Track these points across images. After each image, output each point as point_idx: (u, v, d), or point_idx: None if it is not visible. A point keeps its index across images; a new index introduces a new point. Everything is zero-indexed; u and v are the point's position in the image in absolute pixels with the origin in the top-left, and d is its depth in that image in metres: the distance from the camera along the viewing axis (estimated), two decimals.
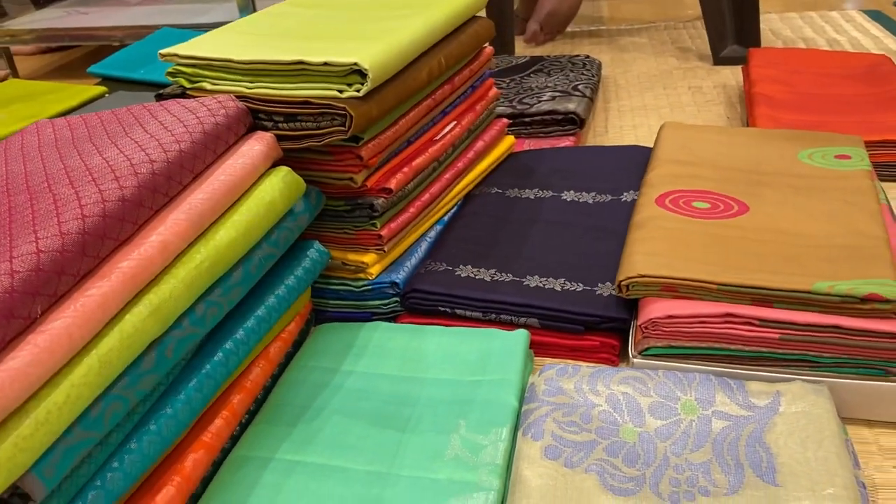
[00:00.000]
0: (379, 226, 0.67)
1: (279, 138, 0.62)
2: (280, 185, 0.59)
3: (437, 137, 0.77)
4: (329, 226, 0.69)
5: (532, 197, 0.82)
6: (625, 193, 0.79)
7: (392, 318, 0.69)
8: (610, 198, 0.79)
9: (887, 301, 0.53)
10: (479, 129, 0.86)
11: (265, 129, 0.62)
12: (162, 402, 0.48)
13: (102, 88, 1.19)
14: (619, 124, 1.13)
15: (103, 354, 0.41)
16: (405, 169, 0.70)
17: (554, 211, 0.78)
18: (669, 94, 1.23)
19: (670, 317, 0.56)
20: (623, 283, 0.59)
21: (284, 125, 0.62)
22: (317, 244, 0.66)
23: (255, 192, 0.57)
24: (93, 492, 0.42)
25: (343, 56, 0.59)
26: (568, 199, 0.80)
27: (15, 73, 1.59)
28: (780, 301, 0.55)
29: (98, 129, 0.58)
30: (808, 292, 0.54)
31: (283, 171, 0.60)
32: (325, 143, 0.61)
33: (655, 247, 0.62)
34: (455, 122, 0.80)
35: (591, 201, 0.79)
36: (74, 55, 1.80)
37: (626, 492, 0.46)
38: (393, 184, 0.67)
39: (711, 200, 0.69)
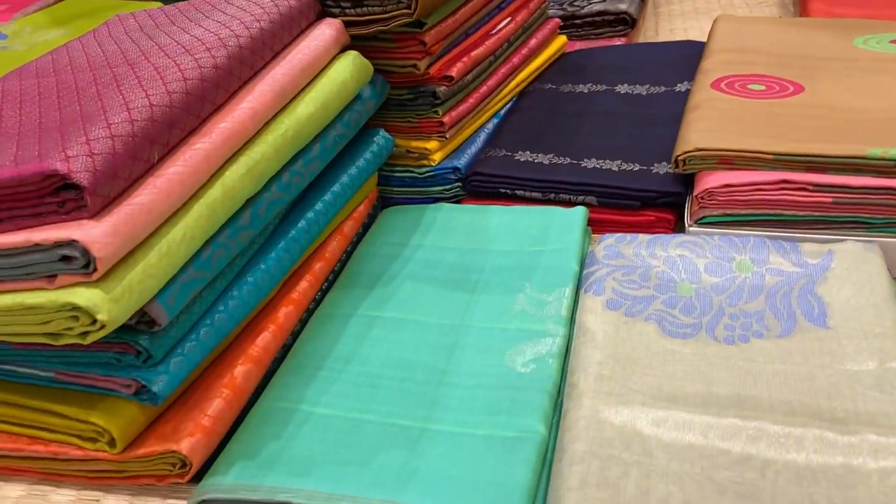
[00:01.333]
0: (441, 113, 0.70)
1: (347, 24, 0.64)
2: (351, 68, 0.62)
3: (493, 32, 0.79)
4: (393, 115, 0.72)
5: (586, 91, 0.84)
6: (678, 84, 0.81)
7: (454, 202, 0.72)
8: (664, 89, 0.81)
9: None
10: (532, 27, 0.88)
11: (333, 15, 0.65)
12: (256, 259, 0.53)
13: (159, 4, 1.22)
14: (669, 27, 1.13)
15: (209, 204, 0.46)
16: (465, 59, 0.73)
17: (608, 103, 0.80)
18: None
19: (726, 186, 0.58)
20: (680, 157, 0.62)
21: (351, 11, 0.64)
22: (382, 132, 0.69)
23: (328, 73, 0.60)
24: (203, 329, 0.47)
25: None
26: (622, 92, 0.82)
27: None
28: (834, 168, 0.57)
29: (178, 16, 0.61)
30: (863, 157, 0.56)
31: (353, 54, 0.63)
32: (392, 26, 0.64)
33: (711, 124, 0.64)
34: (510, 18, 0.82)
35: (644, 93, 0.81)
36: None
37: (684, 335, 0.50)
38: (454, 71, 0.70)
39: (766, 83, 0.71)
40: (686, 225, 0.61)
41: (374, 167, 0.67)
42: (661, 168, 0.66)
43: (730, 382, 0.46)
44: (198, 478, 0.45)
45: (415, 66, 0.67)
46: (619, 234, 0.59)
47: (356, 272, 0.61)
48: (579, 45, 1.01)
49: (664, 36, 1.10)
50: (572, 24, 1.03)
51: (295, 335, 0.56)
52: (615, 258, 0.57)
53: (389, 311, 0.56)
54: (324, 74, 0.60)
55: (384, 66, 0.68)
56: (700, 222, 0.60)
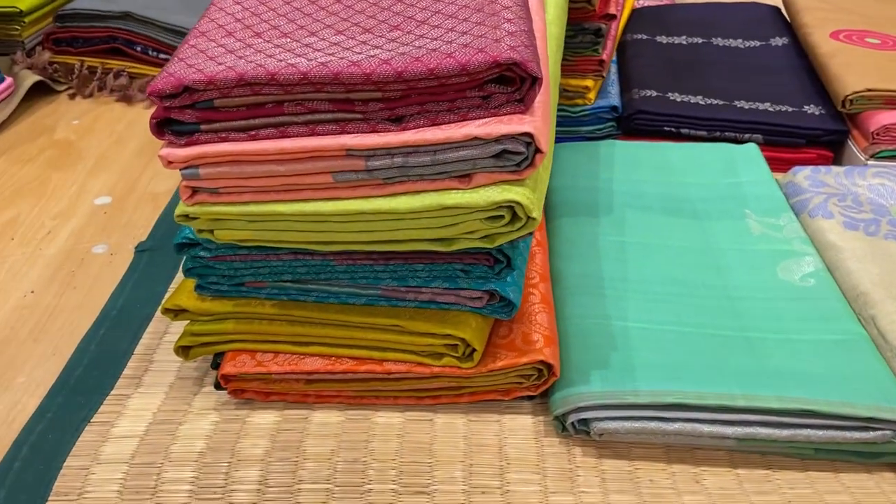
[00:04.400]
0: (601, 52, 0.71)
1: None
2: None
3: None
4: None
5: (685, 43, 0.87)
6: (772, 39, 0.86)
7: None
8: (760, 43, 0.86)
9: None
10: None
11: None
12: None
13: None
14: None
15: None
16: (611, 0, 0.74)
17: (714, 53, 0.84)
18: None
19: None
20: (849, 97, 0.67)
21: None
22: None
23: None
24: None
25: None
26: (720, 45, 0.86)
27: None
28: None
29: None
30: None
31: None
32: None
33: (864, 69, 0.69)
34: None
35: (742, 46, 0.86)
36: None
37: None
38: (613, 8, 0.71)
39: (879, 37, 0.77)
40: (862, 159, 0.66)
41: None
42: (814, 109, 0.71)
43: None
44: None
45: (589, 1, 0.68)
46: (812, 167, 0.63)
47: (566, 203, 0.61)
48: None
49: None
50: None
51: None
52: (822, 186, 0.61)
53: (631, 237, 0.57)
54: None
55: None
56: (876, 157, 0.65)
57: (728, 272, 0.53)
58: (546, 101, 0.40)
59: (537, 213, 0.37)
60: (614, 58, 0.83)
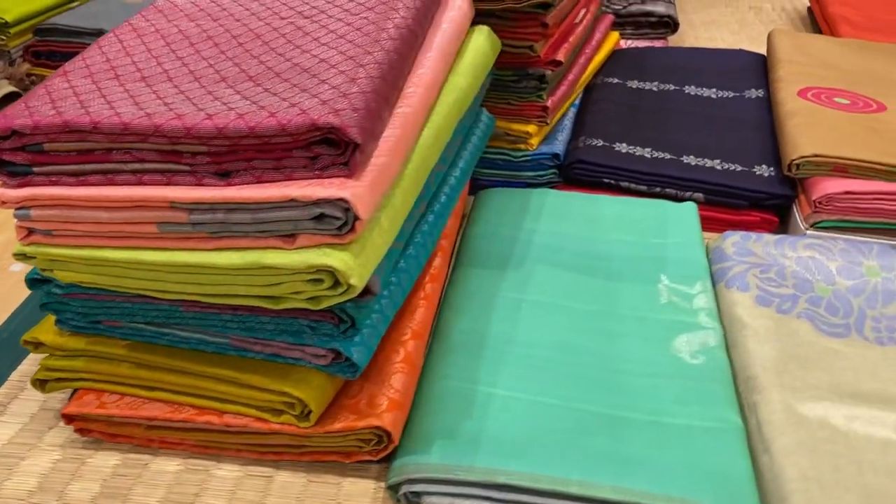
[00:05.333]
0: (545, 97, 0.69)
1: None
2: (488, 42, 0.60)
3: (576, 21, 0.79)
4: (493, 96, 0.70)
5: (655, 89, 0.85)
6: (747, 91, 0.83)
7: (547, 188, 0.72)
8: (733, 94, 0.83)
9: None
10: (595, 19, 0.88)
11: None
12: (414, 231, 0.50)
13: None
14: (693, 35, 1.16)
15: (415, 169, 0.44)
16: (565, 44, 0.72)
17: (681, 102, 0.82)
18: (733, 12, 1.27)
19: (847, 192, 0.61)
20: (795, 161, 0.64)
21: None
22: (486, 111, 0.68)
23: (470, 45, 0.58)
24: (384, 299, 0.44)
25: None
26: (691, 94, 0.84)
27: None
28: None
29: None
30: None
31: (486, 29, 0.61)
32: (524, 5, 0.63)
33: (820, 132, 0.66)
34: (585, 9, 0.82)
35: (714, 96, 0.83)
36: None
37: (838, 335, 0.52)
38: (561, 55, 0.70)
39: (849, 97, 0.74)
40: (802, 227, 0.63)
41: (483, 147, 0.66)
42: (764, 170, 0.68)
43: None
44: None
45: (531, 47, 0.66)
46: (742, 232, 0.60)
47: (478, 252, 0.60)
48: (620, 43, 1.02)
49: (690, 43, 1.13)
50: (614, 24, 1.04)
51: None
52: (747, 255, 0.58)
53: (531, 294, 0.55)
54: (466, 46, 0.58)
55: None
56: (816, 226, 0.62)
57: (620, 341, 0.51)
58: (387, 164, 0.39)
59: (356, 280, 0.36)
60: (577, 101, 0.81)
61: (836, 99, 0.73)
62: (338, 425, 0.42)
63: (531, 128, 0.70)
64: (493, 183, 0.72)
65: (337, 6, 0.49)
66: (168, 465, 0.44)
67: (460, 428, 0.43)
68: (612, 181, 0.69)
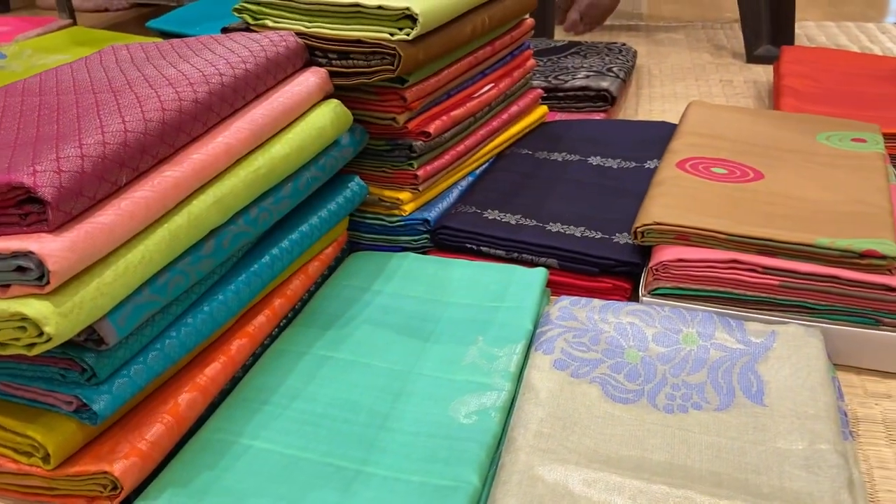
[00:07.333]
0: (416, 166, 0.72)
1: (332, 74, 0.67)
2: (331, 115, 0.64)
3: (475, 95, 0.82)
4: (369, 164, 0.74)
5: (560, 159, 0.86)
6: (648, 161, 0.84)
7: (421, 253, 0.74)
8: (634, 164, 0.84)
9: (884, 258, 0.57)
10: (514, 94, 0.91)
11: (320, 65, 0.67)
12: (215, 289, 0.53)
13: (160, 40, 1.26)
14: (648, 108, 1.18)
15: (173, 230, 0.47)
16: (444, 117, 0.75)
17: (579, 172, 0.83)
18: (700, 86, 1.27)
19: (680, 260, 0.61)
20: (639, 229, 0.64)
21: (338, 62, 0.67)
22: (357, 178, 0.71)
23: (308, 118, 0.62)
24: (153, 353, 0.48)
25: (396, 1, 0.64)
26: (594, 164, 0.85)
27: (75, 24, 1.66)
28: (783, 253, 0.60)
29: (170, 51, 0.64)
30: (811, 245, 0.59)
31: (334, 103, 0.65)
32: (375, 80, 0.66)
33: (672, 201, 0.66)
34: (493, 85, 0.85)
35: (615, 166, 0.84)
36: (128, 16, 1.87)
37: (626, 400, 0.51)
38: (432, 128, 0.73)
39: (729, 167, 0.74)
40: (640, 294, 0.62)
41: (346, 212, 0.69)
42: (622, 238, 0.68)
43: (664, 450, 0.47)
44: (128, 502, 0.45)
45: (394, 119, 0.70)
46: (574, 297, 0.61)
47: (316, 312, 0.62)
48: (560, 116, 1.05)
49: (643, 115, 1.14)
50: (555, 97, 1.07)
51: (246, 369, 0.56)
52: (568, 320, 0.58)
53: (342, 353, 0.57)
54: (303, 119, 0.62)
55: (364, 117, 0.71)
56: (653, 293, 0.62)
57: (405, 400, 0.52)
58: (111, 223, 0.42)
59: (52, 329, 0.39)
60: (478, 170, 0.84)
61: (714, 169, 0.73)
62: (74, 469, 0.44)
63: (404, 195, 0.73)
64: (374, 247, 0.75)
65: (148, 82, 0.54)
66: None
67: (197, 477, 0.45)
68: (474, 246, 0.71)
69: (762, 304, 0.59)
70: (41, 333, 0.40)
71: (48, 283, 0.39)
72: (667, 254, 0.62)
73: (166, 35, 1.32)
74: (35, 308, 0.39)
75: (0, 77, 1.08)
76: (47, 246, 0.39)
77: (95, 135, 0.44)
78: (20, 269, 0.39)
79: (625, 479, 0.44)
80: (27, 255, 0.39)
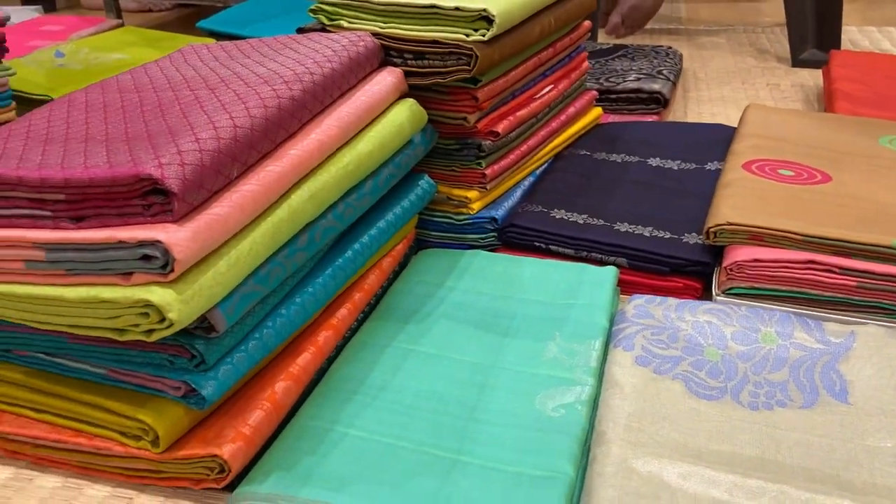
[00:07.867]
0: (484, 165, 0.73)
1: (407, 74, 0.68)
2: (408, 114, 0.65)
3: (537, 96, 0.83)
4: (438, 163, 0.75)
5: (619, 161, 0.87)
6: (709, 163, 0.84)
7: (489, 251, 0.75)
8: (695, 166, 0.85)
9: None
10: (571, 96, 0.92)
11: (395, 65, 0.69)
12: (305, 282, 0.55)
13: (212, 41, 1.28)
14: (697, 111, 1.18)
15: (276, 223, 0.48)
16: (510, 117, 0.76)
17: (640, 173, 0.84)
18: (748, 89, 1.27)
19: (756, 260, 0.61)
20: (711, 229, 0.65)
21: (413, 62, 0.68)
22: (426, 177, 0.72)
23: (388, 116, 0.64)
24: (253, 342, 0.49)
25: (473, 3, 0.65)
26: (654, 165, 0.86)
27: (123, 24, 1.69)
28: (859, 254, 0.60)
29: (252, 51, 0.65)
30: (887, 247, 0.59)
31: (410, 101, 0.67)
32: (450, 80, 0.67)
33: (743, 201, 0.67)
34: (552, 86, 0.86)
35: (675, 168, 0.85)
36: (172, 16, 1.90)
37: (710, 397, 0.52)
38: (500, 128, 0.74)
39: (795, 169, 0.74)
40: (713, 294, 0.63)
41: (417, 209, 0.70)
42: (691, 238, 0.69)
43: (754, 445, 0.48)
44: (231, 487, 0.47)
45: (465, 119, 0.71)
46: (649, 296, 0.62)
47: (392, 306, 0.63)
48: (612, 118, 1.05)
49: (692, 118, 1.15)
50: (607, 99, 1.07)
51: (330, 360, 0.58)
52: (645, 318, 0.59)
53: (423, 346, 0.58)
54: (383, 117, 0.63)
55: (436, 117, 0.72)
56: (727, 293, 0.62)
57: (491, 392, 0.53)
58: (226, 214, 0.44)
59: (175, 315, 0.41)
60: (539, 170, 0.85)
61: (781, 171, 0.74)
62: (182, 452, 0.46)
63: (472, 193, 0.74)
64: (442, 244, 0.76)
65: (242, 79, 0.55)
66: (49, 482, 0.49)
67: (299, 462, 0.46)
68: (543, 245, 0.72)
69: (838, 305, 0.60)
70: (162, 319, 0.41)
71: (172, 271, 0.41)
72: (741, 254, 0.62)
73: (217, 35, 1.34)
74: (159, 295, 0.41)
75: (60, 75, 1.10)
76: (173, 235, 0.40)
77: (208, 129, 0.45)
78: (145, 257, 0.41)
79: (719, 473, 0.45)
80: (154, 243, 0.40)
